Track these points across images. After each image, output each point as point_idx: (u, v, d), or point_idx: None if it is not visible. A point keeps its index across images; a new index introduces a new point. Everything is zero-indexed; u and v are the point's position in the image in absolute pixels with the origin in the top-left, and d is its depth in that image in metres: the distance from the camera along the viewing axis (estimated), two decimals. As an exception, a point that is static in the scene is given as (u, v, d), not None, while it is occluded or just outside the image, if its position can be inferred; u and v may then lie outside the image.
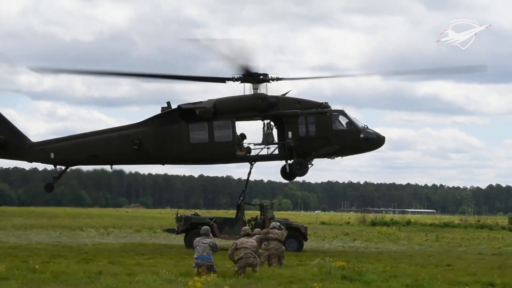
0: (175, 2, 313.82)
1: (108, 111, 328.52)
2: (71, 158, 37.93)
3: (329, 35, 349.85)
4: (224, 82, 38.30)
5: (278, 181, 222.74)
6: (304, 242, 39.50)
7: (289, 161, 38.42)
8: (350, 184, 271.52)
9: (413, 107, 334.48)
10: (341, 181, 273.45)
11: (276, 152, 38.75)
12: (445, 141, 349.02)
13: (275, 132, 38.79)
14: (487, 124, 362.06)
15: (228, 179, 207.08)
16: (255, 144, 38.78)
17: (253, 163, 38.87)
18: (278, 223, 33.18)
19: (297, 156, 38.02)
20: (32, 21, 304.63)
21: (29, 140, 38.09)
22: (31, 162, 38.64)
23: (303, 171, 38.40)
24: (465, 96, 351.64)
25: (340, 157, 39.74)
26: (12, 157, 38.52)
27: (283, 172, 39.07)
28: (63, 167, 38.27)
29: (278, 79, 38.33)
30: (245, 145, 38.73)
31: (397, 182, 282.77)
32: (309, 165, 38.47)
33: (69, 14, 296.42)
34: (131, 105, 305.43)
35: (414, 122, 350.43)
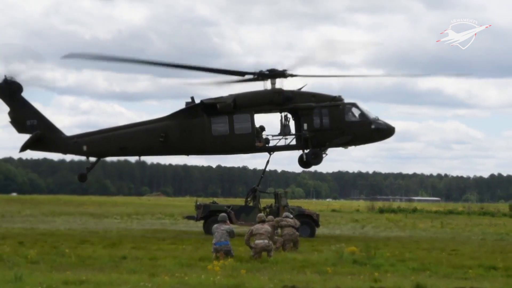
0: (188, 2, 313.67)
1: (128, 105, 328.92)
2: (102, 150, 38.39)
3: (335, 33, 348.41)
4: (243, 75, 38.39)
5: (291, 171, 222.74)
6: (316, 229, 39.54)
7: (305, 151, 38.58)
8: (360, 173, 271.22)
9: (416, 101, 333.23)
10: (351, 171, 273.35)
11: (293, 142, 38.93)
12: (447, 133, 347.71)
13: (292, 124, 39.01)
14: (487, 116, 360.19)
15: (244, 169, 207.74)
16: (273, 136, 39.02)
17: (271, 153, 39.11)
18: (291, 211, 33.30)
19: (312, 146, 38.23)
20: (54, 20, 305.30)
21: (63, 133, 38.68)
22: (66, 154, 39.19)
23: (318, 160, 38.59)
24: (465, 90, 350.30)
25: (353, 147, 39.91)
26: (48, 149, 39.22)
27: (301, 161, 39.26)
28: (95, 159, 38.69)
29: (293, 75, 38.50)
30: (264, 136, 38.94)
31: (404, 171, 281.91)
32: (324, 155, 38.68)
33: (88, 14, 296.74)
34: (150, 100, 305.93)
35: (417, 115, 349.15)
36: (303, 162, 39.16)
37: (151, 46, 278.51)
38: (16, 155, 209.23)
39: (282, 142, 39.08)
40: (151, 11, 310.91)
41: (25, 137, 38.09)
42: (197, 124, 38.10)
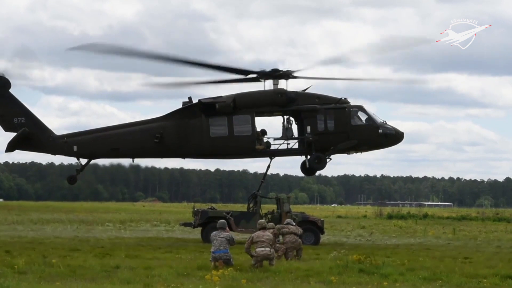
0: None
1: (121, 106, 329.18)
2: (94, 151, 38.41)
3: (339, 27, 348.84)
4: (246, 75, 38.45)
5: (294, 174, 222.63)
6: (321, 236, 39.53)
7: (308, 156, 38.58)
8: (367, 177, 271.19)
9: (426, 100, 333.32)
10: (357, 175, 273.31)
11: (296, 146, 38.91)
12: (459, 134, 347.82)
13: (294, 127, 39.02)
14: (502, 116, 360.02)
15: (245, 173, 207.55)
16: (274, 139, 39.01)
17: (272, 157, 39.07)
18: (294, 218, 33.29)
19: (315, 150, 38.22)
20: (41, 16, 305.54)
21: (52, 133, 38.70)
22: (55, 154, 39.18)
23: (321, 165, 38.62)
24: (478, 88, 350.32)
25: (359, 153, 39.86)
26: (36, 149, 39.12)
27: (303, 167, 39.27)
28: (86, 160, 38.72)
29: (296, 76, 38.52)
30: (265, 139, 38.93)
31: (414, 175, 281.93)
32: (328, 160, 38.64)
33: (77, 8, 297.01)
34: (144, 100, 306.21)
35: (427, 115, 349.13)
36: (306, 169, 39.19)
37: (144, 43, 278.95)
38: (1, 159, 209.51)
39: (284, 146, 39.10)
40: (144, 5, 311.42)
41: (12, 135, 38.12)
42: (195, 125, 38.10)
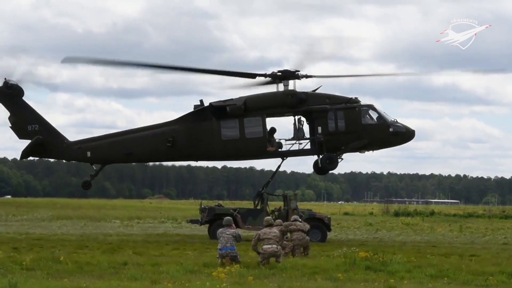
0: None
1: (126, 103, 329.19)
2: (107, 156, 38.58)
3: (342, 25, 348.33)
4: (254, 77, 38.50)
5: (301, 172, 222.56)
6: (328, 233, 39.53)
7: (320, 155, 38.56)
8: (373, 174, 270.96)
9: (431, 97, 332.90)
10: (364, 172, 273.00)
11: (307, 147, 38.89)
12: (464, 131, 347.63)
13: (306, 127, 39.01)
14: (506, 113, 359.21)
15: (251, 170, 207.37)
16: (286, 140, 39.01)
17: (284, 158, 39.07)
18: (301, 215, 33.25)
19: (327, 150, 38.19)
20: (44, 13, 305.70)
21: (66, 139, 38.89)
22: (69, 161, 39.63)
23: (333, 165, 38.68)
24: (483, 86, 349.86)
25: (371, 151, 39.84)
26: (50, 156, 39.65)
27: (316, 166, 39.24)
28: (100, 165, 38.88)
29: (307, 76, 38.52)
30: (276, 140, 38.93)
31: (420, 172, 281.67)
32: (339, 160, 38.66)
33: (81, 6, 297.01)
34: (149, 96, 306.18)
35: (432, 112, 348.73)
36: (318, 168, 39.17)
37: (148, 40, 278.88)
38: (10, 155, 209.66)
39: (295, 147, 39.10)
40: (148, 2, 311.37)
41: (26, 142, 38.22)
42: (206, 128, 38.17)
